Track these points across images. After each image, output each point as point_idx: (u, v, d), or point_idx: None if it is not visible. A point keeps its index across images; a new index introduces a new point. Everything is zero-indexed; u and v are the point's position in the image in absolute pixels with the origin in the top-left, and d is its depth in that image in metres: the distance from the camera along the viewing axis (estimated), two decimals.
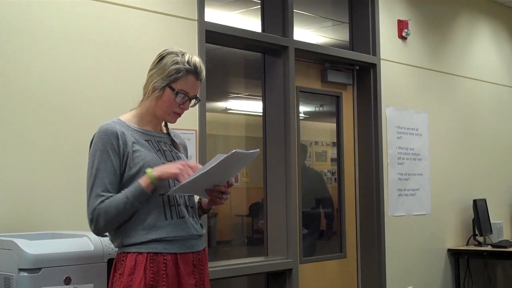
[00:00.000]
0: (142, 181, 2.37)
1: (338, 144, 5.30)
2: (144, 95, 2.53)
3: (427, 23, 5.90)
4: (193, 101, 2.54)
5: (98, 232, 2.43)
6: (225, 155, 2.31)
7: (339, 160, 5.29)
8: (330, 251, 5.22)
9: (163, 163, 2.46)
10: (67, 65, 3.38)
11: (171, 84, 2.47)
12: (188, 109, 2.54)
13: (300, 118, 4.94)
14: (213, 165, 2.32)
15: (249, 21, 4.85)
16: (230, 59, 4.98)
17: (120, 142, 2.41)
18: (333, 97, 5.30)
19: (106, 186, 2.37)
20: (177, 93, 2.47)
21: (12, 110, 3.16)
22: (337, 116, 5.33)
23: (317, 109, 5.46)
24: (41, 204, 3.22)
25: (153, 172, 2.37)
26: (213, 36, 4.16)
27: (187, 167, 2.39)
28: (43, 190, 3.23)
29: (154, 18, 3.81)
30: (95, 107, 3.45)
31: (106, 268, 2.67)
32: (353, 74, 5.39)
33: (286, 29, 4.65)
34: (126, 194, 2.36)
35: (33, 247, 2.54)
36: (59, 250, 2.60)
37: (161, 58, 2.50)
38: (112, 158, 2.39)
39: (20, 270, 2.50)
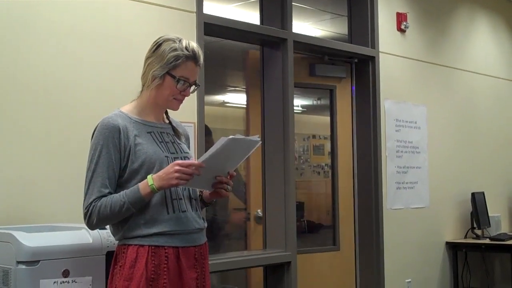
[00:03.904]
0: (142, 189, 2.33)
1: (332, 137, 5.30)
2: (144, 85, 2.50)
3: (426, 16, 5.88)
4: (193, 87, 2.52)
5: (91, 227, 2.42)
6: (223, 141, 2.30)
7: (332, 153, 5.28)
8: (324, 244, 5.22)
9: (166, 156, 2.44)
10: (64, 58, 3.36)
11: (171, 71, 2.44)
12: (189, 95, 2.52)
13: (299, 111, 4.92)
14: (211, 152, 2.31)
15: (248, 14, 4.83)
16: (228, 51, 4.96)
17: (122, 136, 2.39)
18: (328, 90, 5.30)
19: (104, 182, 2.35)
20: (178, 80, 2.46)
21: (10, 104, 3.15)
22: (331, 109, 5.32)
23: (315, 102, 5.45)
24: (39, 197, 3.21)
25: (154, 182, 2.32)
26: (212, 28, 4.14)
27: (183, 168, 2.32)
28: (41, 183, 3.22)
29: (153, 10, 3.79)
30: (92, 100, 3.43)
31: (104, 261, 2.67)
32: (351, 67, 5.38)
33: (285, 21, 4.63)
34: (124, 198, 2.33)
35: (31, 240, 2.54)
36: (57, 243, 2.59)
37: (158, 45, 2.47)
38: (112, 153, 2.37)
39: (18, 262, 2.49)
